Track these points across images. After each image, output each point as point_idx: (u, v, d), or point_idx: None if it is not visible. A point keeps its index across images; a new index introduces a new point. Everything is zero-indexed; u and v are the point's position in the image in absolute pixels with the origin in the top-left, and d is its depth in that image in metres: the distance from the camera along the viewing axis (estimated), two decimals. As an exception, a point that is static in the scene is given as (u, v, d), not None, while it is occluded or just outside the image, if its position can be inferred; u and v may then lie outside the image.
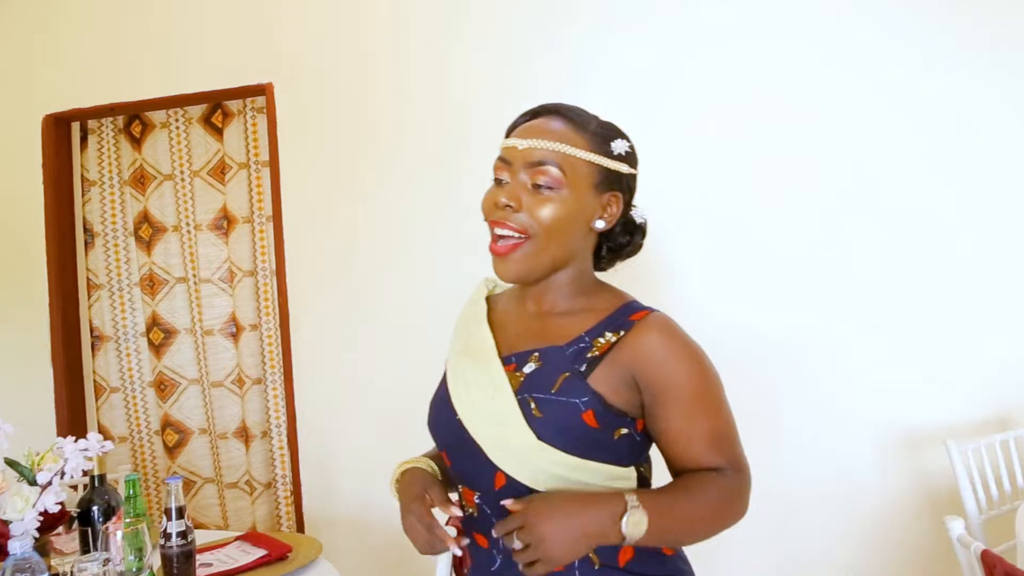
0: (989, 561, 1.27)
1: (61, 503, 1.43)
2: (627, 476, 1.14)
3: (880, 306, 2.40)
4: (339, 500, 2.78)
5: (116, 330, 3.15)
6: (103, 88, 2.98)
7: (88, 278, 3.16)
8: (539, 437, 1.08)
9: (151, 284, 3.14)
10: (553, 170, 1.13)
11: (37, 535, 1.38)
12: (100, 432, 2.76)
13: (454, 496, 1.21)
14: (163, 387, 3.17)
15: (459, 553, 1.16)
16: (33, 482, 1.43)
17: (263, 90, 2.83)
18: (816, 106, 2.44)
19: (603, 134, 1.18)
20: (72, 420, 3.04)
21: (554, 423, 1.09)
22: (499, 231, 1.15)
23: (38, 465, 1.45)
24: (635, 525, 1.01)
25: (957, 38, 2.35)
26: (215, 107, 3.02)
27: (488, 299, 1.31)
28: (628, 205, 1.22)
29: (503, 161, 1.17)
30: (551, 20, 2.60)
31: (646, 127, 2.49)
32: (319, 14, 2.80)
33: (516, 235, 1.14)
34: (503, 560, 1.14)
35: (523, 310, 1.23)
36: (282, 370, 2.94)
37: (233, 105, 2.99)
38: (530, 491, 1.10)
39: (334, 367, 2.81)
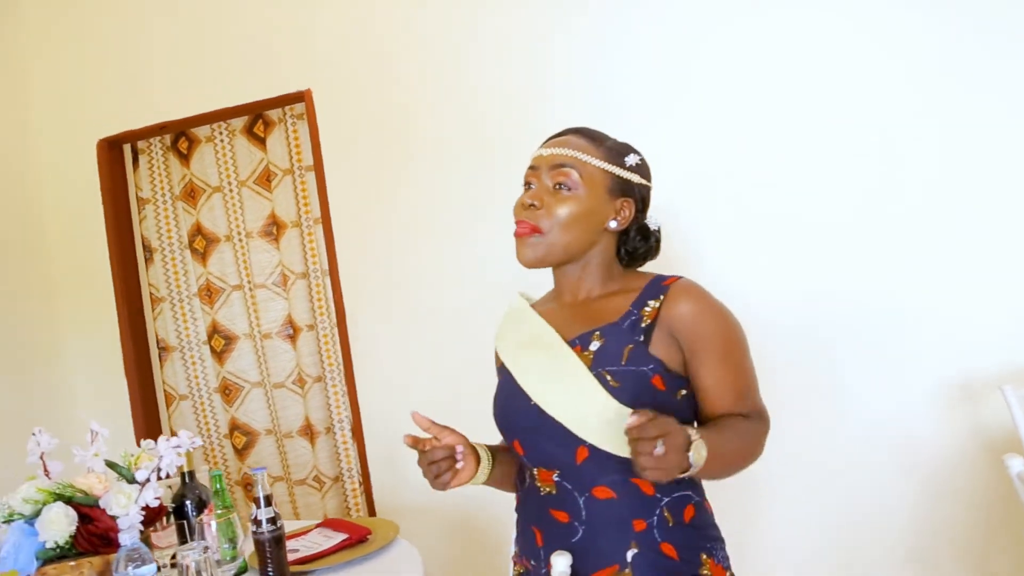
0: (1052, 493, 1.30)
1: (159, 498, 1.53)
2: None
3: (931, 260, 2.40)
4: (407, 489, 2.88)
5: (180, 340, 3.28)
6: (150, 109, 3.10)
7: (151, 292, 3.29)
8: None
9: (209, 293, 3.26)
10: (571, 172, 1.31)
11: (142, 528, 1.48)
12: (174, 438, 2.90)
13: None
14: (228, 392, 3.29)
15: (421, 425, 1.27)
16: (132, 480, 1.54)
17: (302, 97, 2.92)
18: (841, 79, 2.45)
19: (618, 148, 1.37)
20: (148, 427, 3.19)
21: (630, 391, 1.21)
22: (521, 226, 1.32)
23: (135, 464, 1.55)
24: (699, 455, 1.09)
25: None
26: (256, 118, 3.12)
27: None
28: (642, 212, 1.39)
29: (532, 169, 1.36)
30: (576, 21, 2.63)
31: (670, 104, 2.55)
32: (351, 19, 2.87)
33: (534, 223, 1.31)
34: (585, 531, 1.24)
35: (562, 303, 1.38)
36: (342, 367, 3.04)
37: (273, 114, 3.09)
38: (614, 458, 1.22)
39: (392, 359, 2.90)
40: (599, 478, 1.24)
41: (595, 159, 1.32)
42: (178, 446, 1.55)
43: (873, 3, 2.42)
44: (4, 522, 1.45)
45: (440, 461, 1.18)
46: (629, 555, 1.23)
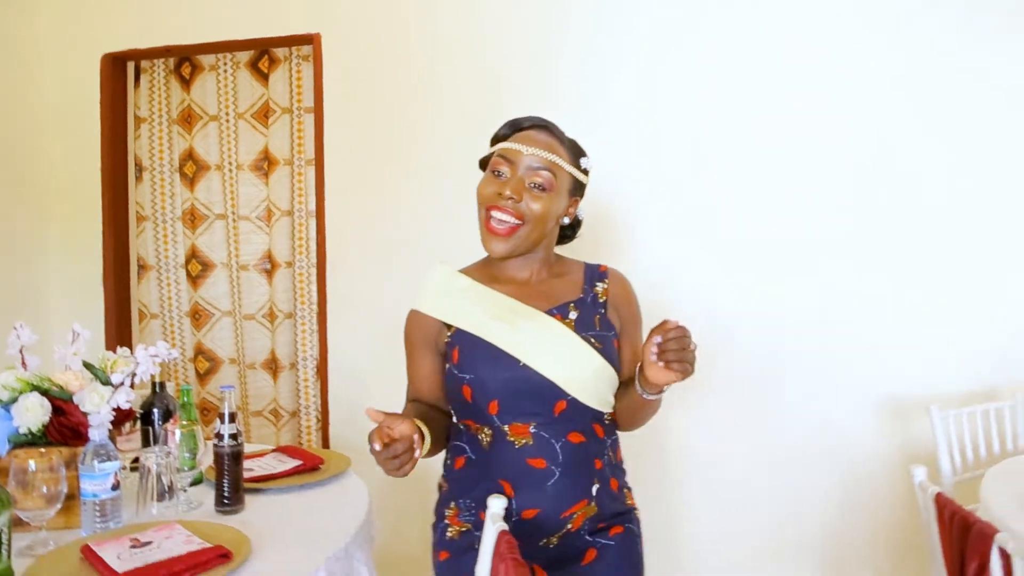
0: (941, 503, 1.44)
1: (130, 402, 1.61)
2: None
3: (878, 286, 2.58)
4: (363, 429, 2.98)
5: (158, 260, 3.34)
6: (158, 30, 3.13)
7: (136, 210, 3.34)
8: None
9: (192, 219, 3.32)
10: (548, 175, 1.45)
11: (110, 427, 1.57)
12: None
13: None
14: (198, 316, 3.36)
15: (376, 447, 1.24)
16: (106, 382, 1.62)
17: (311, 40, 2.96)
18: (805, 92, 2.61)
19: (576, 150, 1.53)
20: (119, 340, 3.25)
21: (606, 351, 1.46)
22: (499, 215, 1.44)
23: (111, 368, 1.64)
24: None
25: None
26: (262, 53, 3.16)
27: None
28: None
29: (504, 159, 1.47)
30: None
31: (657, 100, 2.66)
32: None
33: (514, 220, 1.44)
34: (561, 472, 1.42)
35: (514, 283, 1.52)
36: (314, 306, 3.13)
37: (279, 52, 3.13)
38: (590, 410, 1.44)
39: (366, 303, 3.00)
40: (573, 425, 1.43)
41: (567, 164, 1.48)
42: (156, 355, 1.63)
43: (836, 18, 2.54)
44: (-18, 404, 1.53)
45: (402, 455, 1.24)
46: (594, 490, 1.45)
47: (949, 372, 2.53)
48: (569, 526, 1.44)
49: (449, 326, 1.50)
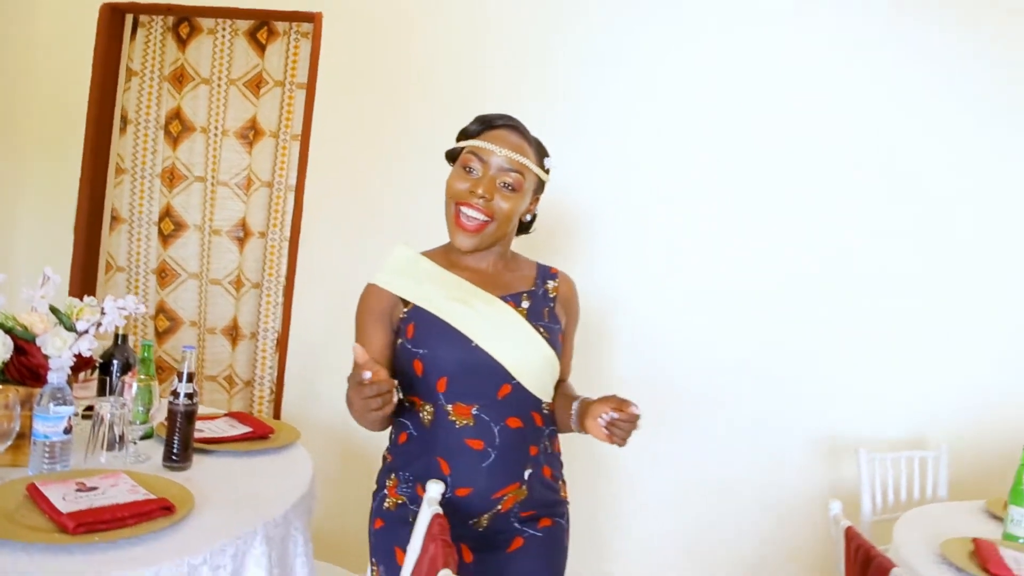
0: (849, 536, 1.54)
1: (92, 350, 1.65)
2: None
3: (821, 333, 2.70)
4: (315, 404, 3.04)
5: (132, 214, 3.34)
6: (161, -14, 3.15)
7: (116, 162, 3.35)
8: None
9: (171, 177, 3.33)
10: (518, 176, 1.53)
11: (70, 372, 1.60)
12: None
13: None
14: (164, 275, 3.37)
15: (366, 377, 1.27)
16: (71, 328, 1.65)
17: (312, 17, 3.01)
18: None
19: (541, 151, 1.61)
20: (83, 291, 3.26)
21: (552, 342, 1.56)
22: (469, 212, 1.52)
23: (77, 315, 1.67)
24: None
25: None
26: (261, 24, 3.19)
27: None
28: None
29: (475, 156, 1.54)
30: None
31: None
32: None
33: (483, 217, 1.52)
34: (496, 455, 1.50)
35: (471, 271, 1.60)
36: (282, 279, 3.17)
37: (279, 25, 3.16)
38: (530, 395, 1.53)
39: (334, 280, 3.05)
40: (513, 411, 1.51)
41: (535, 167, 1.57)
42: (123, 308, 1.67)
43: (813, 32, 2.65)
44: (-57, 335, 1.56)
45: (385, 394, 1.29)
46: (526, 474, 1.53)
47: (883, 418, 2.65)
48: (499, 507, 1.51)
49: (406, 303, 1.55)
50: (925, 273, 2.62)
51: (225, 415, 2.15)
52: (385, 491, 1.59)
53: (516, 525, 1.56)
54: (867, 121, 2.63)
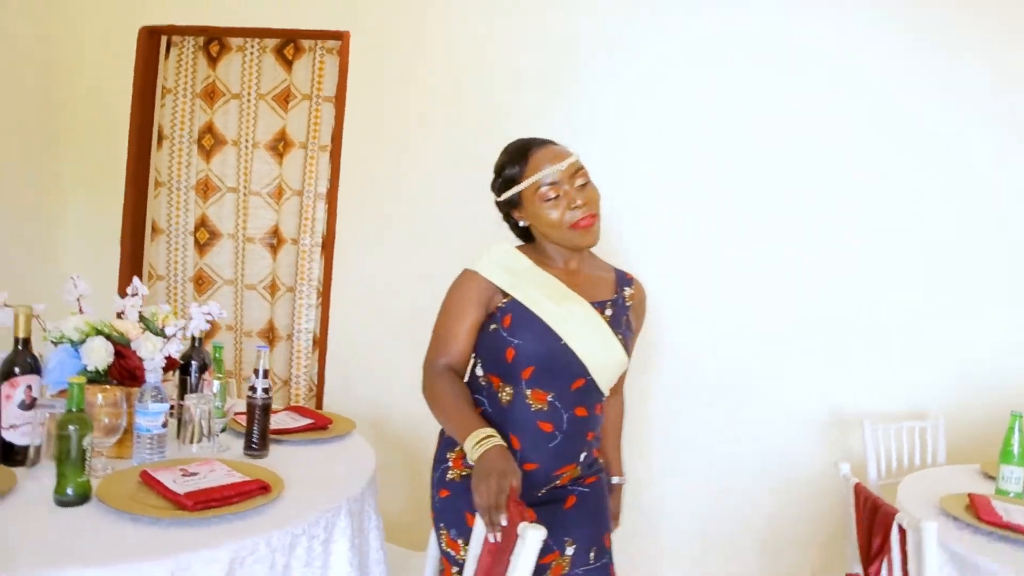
0: (858, 490, 1.75)
1: (178, 352, 1.84)
2: None
3: (829, 315, 2.91)
4: (354, 399, 3.24)
5: (169, 225, 3.53)
6: (194, 10, 3.34)
7: (154, 176, 3.54)
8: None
9: (205, 189, 3.52)
10: (583, 168, 1.70)
11: (161, 372, 1.79)
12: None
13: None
14: (201, 282, 3.56)
15: (492, 539, 1.42)
16: (158, 333, 1.85)
17: (340, 36, 3.20)
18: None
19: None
20: (129, 297, 3.45)
21: (627, 347, 1.77)
22: (582, 221, 1.67)
23: (163, 321, 1.86)
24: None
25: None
26: (288, 41, 3.38)
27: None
28: None
29: (554, 184, 1.67)
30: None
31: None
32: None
33: (591, 215, 1.68)
34: (562, 437, 1.69)
35: (569, 268, 1.76)
36: (315, 282, 3.36)
37: (305, 43, 3.35)
38: (598, 389, 1.73)
39: (367, 284, 3.26)
40: (581, 401, 1.70)
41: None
42: (208, 314, 1.86)
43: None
44: (54, 343, 1.75)
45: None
46: (581, 456, 1.74)
47: (885, 393, 2.87)
48: (557, 482, 1.73)
49: (505, 294, 1.69)
50: (923, 267, 2.84)
51: (285, 409, 2.35)
52: (448, 463, 1.76)
53: (569, 488, 1.78)
54: (867, 123, 2.83)
